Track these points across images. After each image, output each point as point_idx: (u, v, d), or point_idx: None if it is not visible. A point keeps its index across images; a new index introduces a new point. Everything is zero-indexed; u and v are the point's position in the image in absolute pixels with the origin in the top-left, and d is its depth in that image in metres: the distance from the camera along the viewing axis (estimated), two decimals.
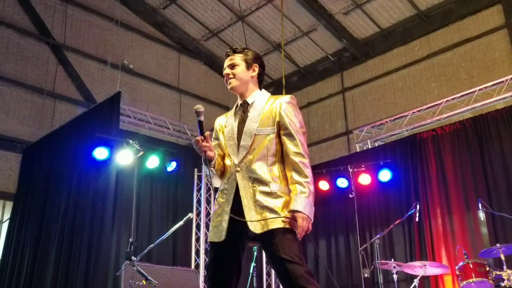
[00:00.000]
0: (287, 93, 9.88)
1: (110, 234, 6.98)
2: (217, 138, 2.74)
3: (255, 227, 2.39)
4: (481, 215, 5.61)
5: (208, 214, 7.89)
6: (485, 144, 6.82)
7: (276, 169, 2.53)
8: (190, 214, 5.75)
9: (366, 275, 6.08)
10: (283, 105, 2.59)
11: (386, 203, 7.67)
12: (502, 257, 5.20)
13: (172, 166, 7.30)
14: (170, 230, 5.78)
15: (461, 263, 5.39)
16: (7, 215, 7.96)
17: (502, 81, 7.08)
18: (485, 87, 7.24)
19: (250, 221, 2.41)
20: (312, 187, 2.48)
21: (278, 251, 2.33)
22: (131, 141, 6.74)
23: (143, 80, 9.61)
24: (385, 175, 7.50)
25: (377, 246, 6.04)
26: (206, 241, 7.73)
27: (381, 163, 7.53)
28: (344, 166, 7.71)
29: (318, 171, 8.22)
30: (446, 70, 8.67)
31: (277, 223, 2.38)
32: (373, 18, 9.31)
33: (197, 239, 7.74)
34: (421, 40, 9.10)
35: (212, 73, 10.91)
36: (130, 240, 6.07)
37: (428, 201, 7.06)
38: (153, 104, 9.36)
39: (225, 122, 2.73)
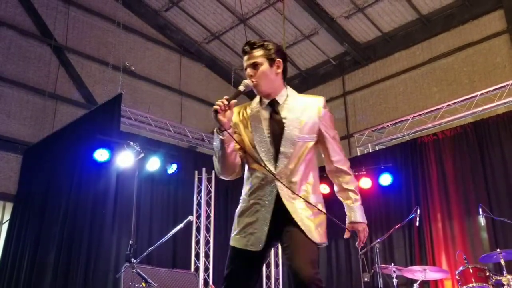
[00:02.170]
0: None
1: (110, 236, 6.99)
2: (234, 131, 2.49)
3: (310, 234, 2.37)
4: (481, 220, 5.60)
5: (208, 217, 7.88)
6: (485, 148, 6.81)
7: (312, 179, 2.44)
8: (190, 217, 5.74)
9: (366, 279, 6.06)
10: (322, 111, 2.48)
11: (387, 207, 7.66)
12: (502, 262, 5.18)
13: (172, 168, 7.30)
14: (170, 233, 5.78)
15: (461, 268, 5.38)
16: (7, 216, 7.96)
17: (503, 86, 7.08)
18: (486, 92, 7.23)
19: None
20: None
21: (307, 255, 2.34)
22: (131, 143, 6.75)
23: (144, 82, 9.62)
24: (386, 179, 7.49)
25: (377, 250, 6.02)
26: (206, 244, 7.73)
27: (382, 167, 7.52)
28: None
29: (319, 174, 8.19)
30: (447, 75, 8.67)
31: (319, 240, 2.39)
32: (375, 22, 9.32)
33: (197, 242, 7.73)
34: (422, 44, 9.11)
35: (213, 75, 10.92)
36: (130, 242, 6.07)
37: (429, 206, 7.05)
38: (154, 106, 9.37)
39: (246, 118, 2.50)
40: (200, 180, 8.00)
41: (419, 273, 5.69)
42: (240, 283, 2.38)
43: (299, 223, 2.31)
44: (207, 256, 7.67)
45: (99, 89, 8.83)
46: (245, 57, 2.50)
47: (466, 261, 5.38)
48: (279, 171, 2.34)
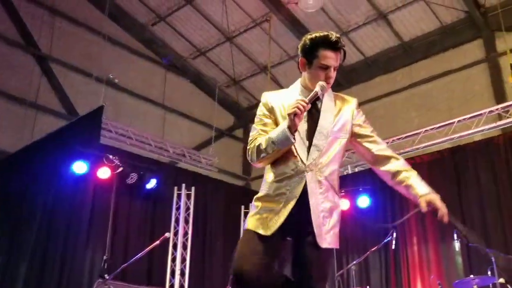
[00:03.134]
0: None
1: (85, 250, 6.90)
2: (270, 117, 2.46)
3: (320, 240, 2.29)
4: (456, 245, 5.67)
5: (185, 234, 7.82)
6: (462, 175, 6.93)
7: (337, 178, 2.45)
8: (167, 234, 5.73)
9: None
10: (355, 112, 2.50)
11: (364, 229, 7.70)
12: None
13: (151, 183, 7.27)
14: (146, 249, 5.73)
15: None
16: None
17: (481, 114, 7.23)
18: (464, 119, 7.38)
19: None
20: None
21: (322, 273, 2.34)
22: (111, 156, 6.72)
23: (127, 95, 9.59)
24: (364, 201, 7.55)
25: (354, 272, 6.05)
26: (182, 262, 7.65)
27: (360, 189, 7.59)
28: None
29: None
30: (427, 101, 8.83)
31: (336, 242, 2.37)
32: (358, 46, 9.48)
33: (173, 259, 7.65)
34: (403, 70, 9.28)
35: (198, 91, 10.94)
36: (105, 257, 6.01)
37: (405, 229, 7.12)
38: (137, 119, 9.32)
39: (285, 107, 2.41)
40: (179, 196, 7.95)
41: None
42: (248, 268, 2.24)
43: (314, 224, 2.29)
44: (182, 274, 7.59)
45: (81, 101, 8.76)
46: (332, 53, 2.38)
47: (440, 286, 5.43)
48: (310, 163, 2.34)
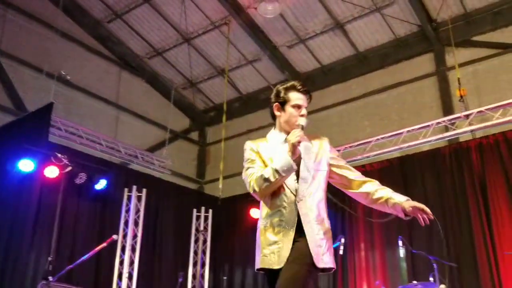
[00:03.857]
0: (228, 119, 9.97)
1: (29, 250, 6.67)
2: (259, 158, 2.81)
3: (318, 261, 2.52)
4: (401, 251, 5.84)
5: (135, 236, 7.68)
6: (409, 183, 7.15)
7: (325, 207, 2.73)
8: (114, 236, 5.60)
9: None
10: (329, 147, 2.87)
11: None
12: None
13: (101, 184, 7.10)
14: (92, 251, 5.58)
15: None
16: None
17: (429, 125, 7.49)
18: (413, 129, 7.62)
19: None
20: None
21: None
22: (59, 155, 6.53)
23: (80, 93, 9.33)
24: None
25: None
26: (130, 264, 7.51)
27: None
28: None
29: (251, 198, 8.25)
30: (379, 110, 9.07)
31: (332, 263, 2.61)
32: (315, 54, 9.63)
33: (121, 262, 7.49)
34: (358, 79, 9.50)
35: (153, 92, 10.78)
36: (49, 258, 5.82)
37: (354, 235, 7.27)
38: (88, 118, 9.08)
39: (266, 151, 2.80)
40: (129, 198, 7.81)
41: None
42: None
43: (311, 248, 2.53)
44: (130, 277, 7.45)
45: (31, 97, 8.45)
46: (304, 97, 2.84)
47: None
48: (300, 194, 2.63)
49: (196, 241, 8.86)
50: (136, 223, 7.73)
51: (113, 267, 7.43)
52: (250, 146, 2.87)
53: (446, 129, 7.45)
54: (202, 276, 8.76)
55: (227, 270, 9.06)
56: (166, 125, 10.17)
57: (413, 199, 7.18)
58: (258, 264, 2.61)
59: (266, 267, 2.55)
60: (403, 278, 6.52)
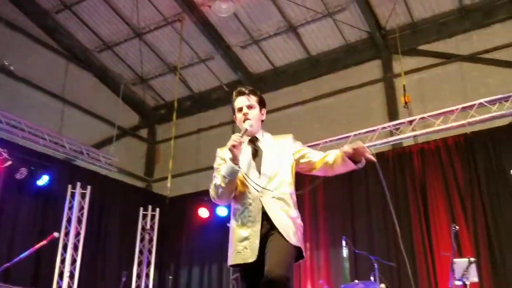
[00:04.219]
0: (178, 117, 9.86)
1: None
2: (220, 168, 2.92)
3: (288, 238, 2.66)
4: (345, 251, 5.99)
5: (78, 234, 7.46)
6: (354, 185, 7.34)
7: (293, 194, 2.86)
8: (55, 234, 5.41)
9: None
10: (291, 139, 3.00)
11: None
12: None
13: (43, 179, 6.86)
14: (31, 249, 5.37)
15: None
16: None
17: (375, 129, 7.72)
18: (360, 133, 7.81)
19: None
20: None
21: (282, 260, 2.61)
22: None
23: (24, 85, 8.94)
24: None
25: None
26: (72, 263, 7.29)
27: None
28: None
29: (200, 198, 8.23)
30: (329, 114, 9.25)
31: (298, 243, 2.71)
32: (268, 55, 9.71)
33: (63, 261, 7.26)
34: (309, 82, 9.65)
35: (102, 86, 10.50)
36: None
37: None
38: (32, 111, 8.72)
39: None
40: (73, 195, 7.58)
41: None
42: None
43: (279, 228, 2.67)
44: (72, 276, 7.23)
45: None
46: (242, 97, 2.98)
47: None
48: (262, 189, 2.77)
49: (142, 240, 8.72)
50: (79, 221, 7.52)
51: (54, 266, 7.18)
52: (218, 154, 3.00)
53: (391, 133, 7.70)
54: (147, 275, 8.63)
55: (173, 269, 8.97)
56: (114, 121, 9.94)
57: (357, 200, 7.36)
58: (232, 261, 2.74)
59: (241, 262, 2.67)
60: (346, 277, 6.68)
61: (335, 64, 9.45)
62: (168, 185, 8.58)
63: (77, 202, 7.53)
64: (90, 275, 7.76)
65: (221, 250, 8.10)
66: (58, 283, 7.13)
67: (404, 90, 7.75)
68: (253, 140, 2.97)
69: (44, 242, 5.35)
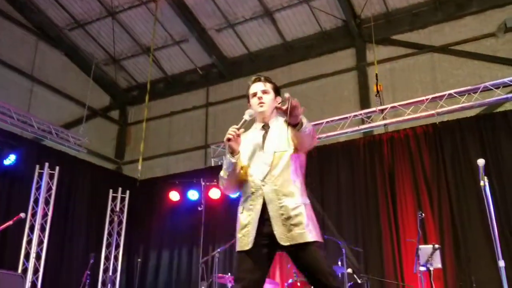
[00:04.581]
0: (151, 99, 9.74)
1: None
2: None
3: (280, 239, 2.63)
4: None
5: (45, 215, 7.33)
6: (325, 172, 7.43)
7: (298, 183, 2.77)
8: (22, 214, 5.30)
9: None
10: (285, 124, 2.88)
11: (233, 219, 7.85)
12: None
13: (10, 159, 6.71)
14: None
15: (290, 281, 5.77)
16: None
17: (346, 117, 7.81)
18: (332, 121, 7.90)
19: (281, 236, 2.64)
20: (311, 128, 2.75)
21: (315, 263, 2.60)
22: None
23: None
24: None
25: (217, 260, 6.16)
26: (39, 244, 7.17)
27: None
28: (197, 179, 7.74)
29: (171, 181, 8.18)
30: (302, 100, 8.90)
31: (304, 237, 2.61)
32: (243, 40, 9.66)
33: (29, 242, 7.13)
34: (283, 68, 9.64)
35: (72, 66, 10.27)
36: None
37: None
38: (0, 89, 8.48)
39: (242, 142, 2.85)
40: (41, 175, 7.43)
41: None
42: (246, 281, 2.68)
43: (273, 227, 2.64)
44: (38, 257, 7.12)
45: None
46: (258, 83, 2.97)
47: (295, 275, 5.78)
48: (263, 178, 2.74)
49: (111, 222, 8.64)
50: (47, 202, 7.38)
51: (20, 247, 7.06)
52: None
53: (362, 121, 7.81)
54: (116, 257, 8.57)
55: (142, 252, 8.94)
56: (85, 101, 9.75)
57: (327, 187, 7.44)
58: (237, 247, 2.76)
59: (240, 249, 2.71)
60: None
61: (309, 51, 9.47)
62: (139, 167, 8.49)
63: (45, 183, 7.39)
64: (57, 256, 7.65)
65: (191, 234, 8.10)
66: (24, 264, 7.01)
67: (377, 79, 7.84)
68: (265, 127, 2.92)
69: (10, 222, 5.24)
